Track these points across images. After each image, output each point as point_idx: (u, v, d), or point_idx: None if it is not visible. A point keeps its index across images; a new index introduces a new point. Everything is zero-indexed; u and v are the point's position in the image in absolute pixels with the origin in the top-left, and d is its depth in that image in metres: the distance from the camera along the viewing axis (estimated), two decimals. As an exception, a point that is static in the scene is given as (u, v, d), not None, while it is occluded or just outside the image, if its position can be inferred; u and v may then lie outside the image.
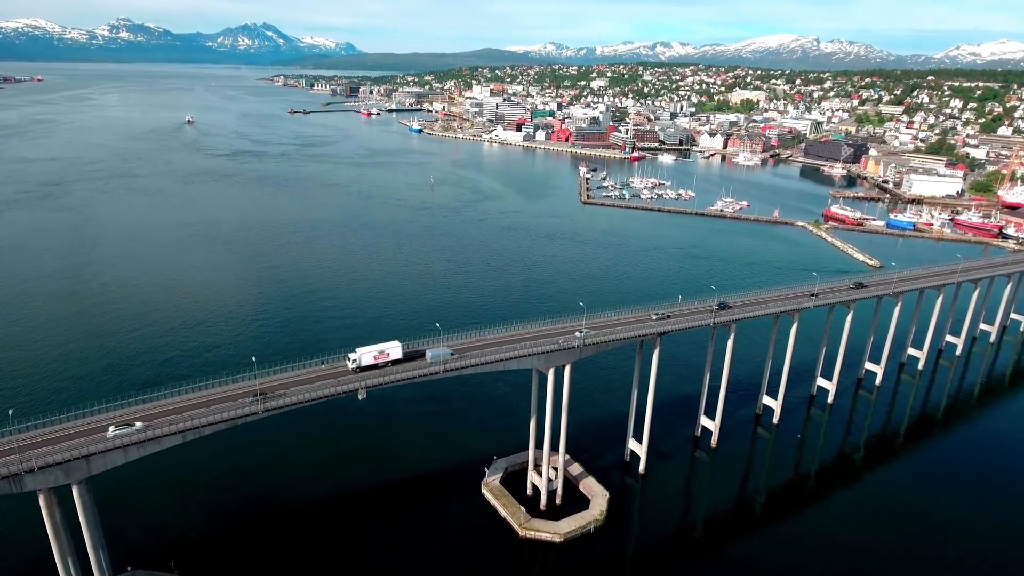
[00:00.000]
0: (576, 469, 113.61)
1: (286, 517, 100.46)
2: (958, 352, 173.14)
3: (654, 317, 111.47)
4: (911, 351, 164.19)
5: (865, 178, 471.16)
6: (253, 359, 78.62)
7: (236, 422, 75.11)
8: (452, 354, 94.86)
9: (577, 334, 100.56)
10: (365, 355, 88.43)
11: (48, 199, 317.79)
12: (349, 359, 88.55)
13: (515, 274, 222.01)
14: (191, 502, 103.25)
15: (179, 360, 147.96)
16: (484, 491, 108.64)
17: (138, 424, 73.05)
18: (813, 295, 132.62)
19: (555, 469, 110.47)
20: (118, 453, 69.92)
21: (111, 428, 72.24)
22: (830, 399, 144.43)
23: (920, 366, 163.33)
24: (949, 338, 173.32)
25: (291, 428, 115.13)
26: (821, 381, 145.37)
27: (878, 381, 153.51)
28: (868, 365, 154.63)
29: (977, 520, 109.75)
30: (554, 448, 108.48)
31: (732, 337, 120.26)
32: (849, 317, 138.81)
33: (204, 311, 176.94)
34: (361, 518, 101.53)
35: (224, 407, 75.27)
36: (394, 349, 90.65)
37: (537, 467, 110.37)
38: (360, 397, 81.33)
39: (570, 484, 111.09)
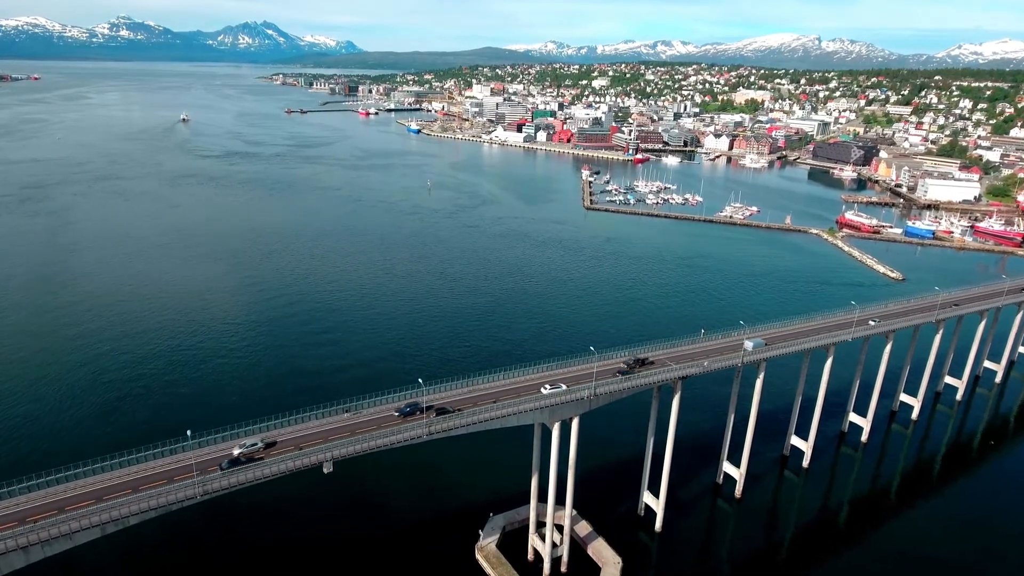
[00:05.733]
0: (584, 529, 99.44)
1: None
2: (997, 379, 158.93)
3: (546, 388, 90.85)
4: (948, 379, 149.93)
5: (876, 181, 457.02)
6: (188, 432, 64.36)
7: (170, 508, 61.02)
8: (765, 344, 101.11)
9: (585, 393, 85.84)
10: None
11: (28, 203, 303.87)
12: None
13: (514, 290, 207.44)
14: None
15: (113, 417, 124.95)
16: (478, 556, 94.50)
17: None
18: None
19: (560, 529, 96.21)
20: (16, 555, 55.75)
21: (546, 386, 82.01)
22: (864, 437, 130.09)
23: (959, 396, 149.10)
24: (988, 364, 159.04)
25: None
26: (854, 417, 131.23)
27: (914, 414, 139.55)
28: (903, 397, 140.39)
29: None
30: (559, 502, 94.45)
31: (762, 376, 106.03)
32: (888, 348, 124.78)
33: (153, 346, 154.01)
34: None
35: (156, 492, 61.00)
36: None
37: (540, 527, 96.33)
38: (326, 471, 67.26)
39: (577, 547, 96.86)
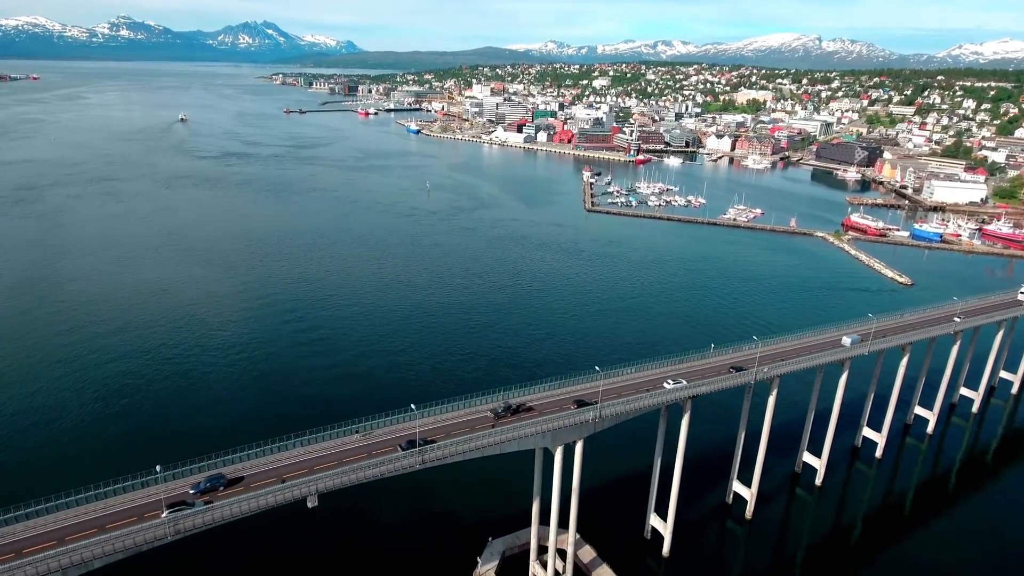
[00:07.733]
0: (588, 554, 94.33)
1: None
2: (1013, 390, 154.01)
3: (669, 383, 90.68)
4: (964, 391, 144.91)
5: (881, 183, 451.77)
6: (157, 468, 59.30)
7: (139, 549, 55.98)
8: (861, 340, 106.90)
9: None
10: None
11: (20, 204, 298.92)
12: None
13: (512, 294, 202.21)
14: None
15: (85, 439, 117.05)
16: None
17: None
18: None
19: (562, 554, 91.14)
20: (-34, 605, 50.78)
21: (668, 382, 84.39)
22: (878, 452, 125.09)
23: (974, 408, 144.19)
24: (1003, 374, 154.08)
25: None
26: (867, 431, 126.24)
27: (929, 428, 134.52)
28: (918, 410, 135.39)
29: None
30: (561, 526, 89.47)
31: (775, 393, 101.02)
32: (904, 361, 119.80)
33: (140, 356, 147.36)
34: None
35: (123, 532, 55.87)
36: None
37: (541, 552, 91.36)
38: (310, 505, 62.19)
39: (580, 574, 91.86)
